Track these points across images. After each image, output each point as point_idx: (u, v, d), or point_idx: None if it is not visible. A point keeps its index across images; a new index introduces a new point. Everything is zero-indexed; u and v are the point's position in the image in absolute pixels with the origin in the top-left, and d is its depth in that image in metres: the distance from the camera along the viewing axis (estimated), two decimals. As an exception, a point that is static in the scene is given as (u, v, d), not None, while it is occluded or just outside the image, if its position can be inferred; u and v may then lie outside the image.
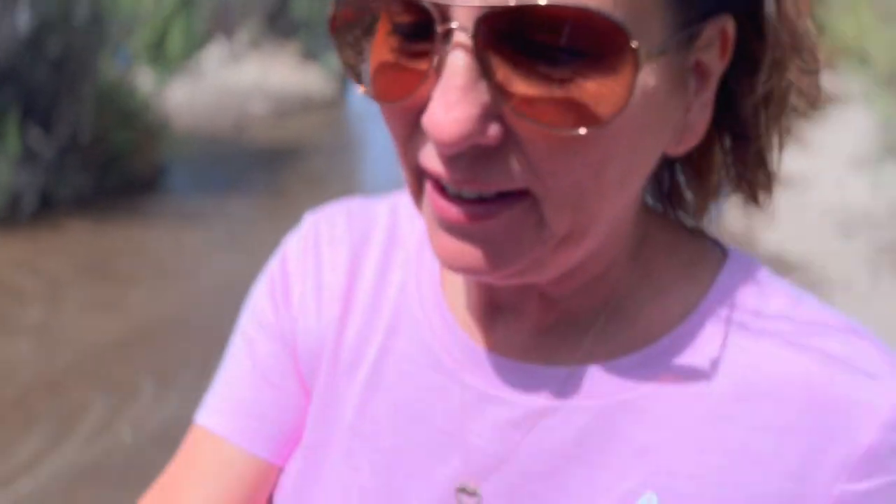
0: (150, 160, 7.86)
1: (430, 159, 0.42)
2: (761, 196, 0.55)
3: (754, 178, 0.53)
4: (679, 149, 0.47)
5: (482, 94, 0.39)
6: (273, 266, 0.62)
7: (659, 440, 0.47)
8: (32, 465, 3.24)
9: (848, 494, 0.45)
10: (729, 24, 0.45)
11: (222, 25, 14.91)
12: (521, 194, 0.42)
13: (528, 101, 0.38)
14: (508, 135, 0.40)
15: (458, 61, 0.38)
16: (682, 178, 0.54)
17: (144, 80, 7.55)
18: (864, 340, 0.49)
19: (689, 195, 0.55)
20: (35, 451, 3.32)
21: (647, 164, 0.46)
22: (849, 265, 5.71)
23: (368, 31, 0.44)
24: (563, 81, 0.38)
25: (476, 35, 0.37)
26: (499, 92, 0.38)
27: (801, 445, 0.45)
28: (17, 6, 6.02)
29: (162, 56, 7.00)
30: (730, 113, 0.49)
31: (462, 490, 0.49)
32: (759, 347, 0.48)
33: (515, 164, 0.40)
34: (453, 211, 0.42)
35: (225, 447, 0.58)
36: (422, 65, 0.40)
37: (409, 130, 0.43)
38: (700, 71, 0.45)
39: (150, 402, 3.69)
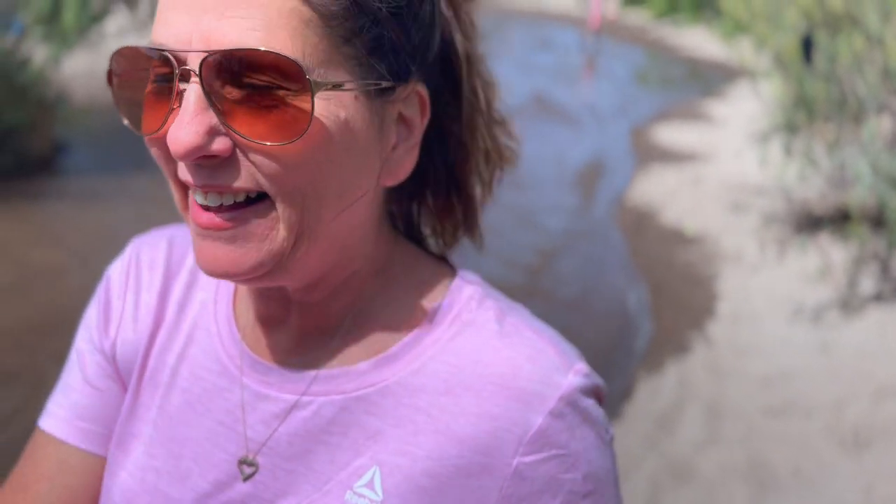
0: (46, 137, 7.48)
1: (183, 172, 0.55)
2: (457, 236, 0.69)
3: (455, 221, 0.69)
4: (389, 180, 0.61)
5: (210, 118, 0.52)
6: (100, 288, 0.75)
7: (386, 426, 0.60)
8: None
9: (522, 465, 0.58)
10: (421, 89, 0.60)
11: (123, -6, 14.25)
12: (260, 199, 0.54)
13: (243, 122, 0.52)
14: (239, 149, 0.53)
15: (189, 94, 0.52)
16: (415, 214, 0.71)
17: (39, 51, 7.17)
18: (548, 345, 0.61)
19: (429, 229, 0.70)
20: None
21: (359, 183, 0.58)
22: (740, 238, 6.02)
23: (138, 83, 0.57)
24: (267, 106, 0.51)
25: (201, 73, 0.51)
26: (221, 115, 0.52)
27: (492, 427, 0.58)
28: None
29: (57, 28, 6.65)
30: (443, 162, 0.67)
31: (243, 462, 0.62)
32: (466, 352, 0.61)
33: (244, 170, 0.53)
34: (205, 217, 0.54)
35: (62, 448, 0.70)
36: (168, 101, 0.54)
37: (167, 153, 0.56)
38: (404, 122, 0.60)
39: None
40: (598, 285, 5.44)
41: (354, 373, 0.61)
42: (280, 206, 0.54)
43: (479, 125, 0.67)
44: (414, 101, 0.61)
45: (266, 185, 0.54)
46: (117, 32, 12.32)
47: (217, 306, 0.69)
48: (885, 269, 4.71)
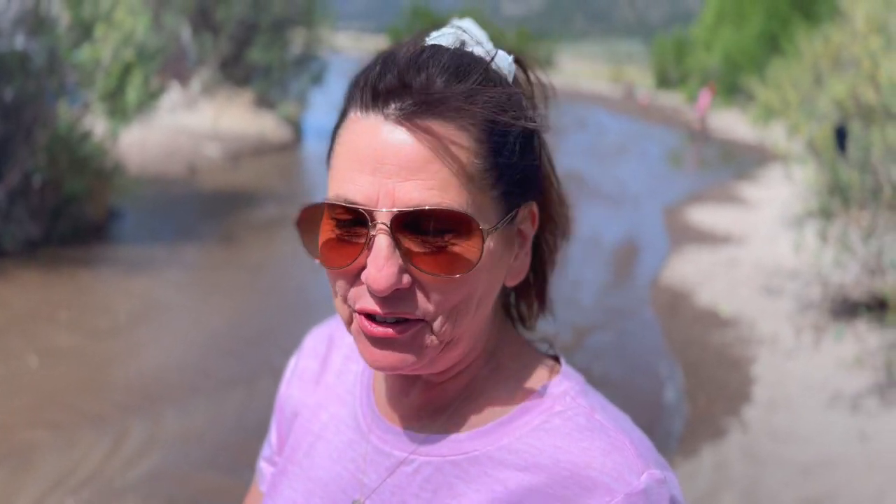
0: (102, 205, 7.80)
1: (366, 302, 0.67)
2: (532, 318, 0.81)
3: (531, 303, 0.81)
4: (512, 282, 0.73)
5: (397, 259, 0.64)
6: (288, 366, 0.94)
7: (469, 490, 0.70)
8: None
9: None
10: (534, 207, 0.74)
11: (177, 72, 14.96)
12: (418, 320, 0.67)
13: (423, 261, 0.65)
14: (415, 281, 0.66)
15: (381, 241, 0.64)
16: (513, 300, 0.83)
17: (99, 124, 7.56)
18: (629, 445, 0.68)
19: (523, 311, 0.82)
20: (-21, 504, 3.33)
21: (493, 292, 0.71)
22: (775, 322, 6.02)
23: (317, 224, 0.70)
24: (442, 248, 0.64)
25: (390, 227, 0.64)
26: (406, 257, 0.65)
27: None
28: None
29: (119, 106, 7.04)
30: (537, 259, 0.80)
31: (356, 502, 0.75)
32: (550, 438, 0.70)
33: (419, 298, 0.66)
34: (380, 330, 0.67)
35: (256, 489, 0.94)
36: (359, 243, 0.66)
37: (349, 285, 0.69)
38: (521, 235, 0.73)
39: (100, 448, 3.73)
40: (632, 364, 5.46)
41: (454, 441, 0.72)
42: (436, 323, 0.67)
43: (553, 205, 0.78)
44: (528, 217, 0.73)
45: (432, 310, 0.67)
46: (170, 107, 12.90)
47: (363, 377, 0.83)
48: (923, 358, 4.68)
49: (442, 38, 0.73)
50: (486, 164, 0.66)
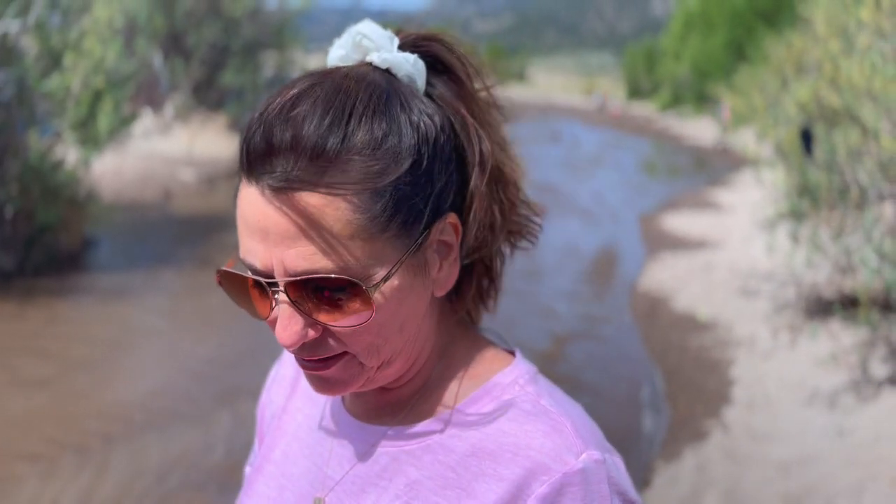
0: (76, 234, 7.74)
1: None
2: (490, 303, 0.84)
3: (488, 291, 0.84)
4: (441, 292, 0.75)
5: (300, 318, 0.69)
6: (269, 374, 0.99)
7: (422, 477, 0.74)
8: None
9: None
10: (451, 217, 0.72)
11: (149, 98, 14.92)
12: (344, 353, 0.71)
13: (324, 316, 0.68)
14: (324, 329, 0.70)
15: (282, 306, 0.69)
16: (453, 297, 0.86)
17: (71, 152, 7.50)
18: (570, 427, 0.72)
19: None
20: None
21: (417, 312, 0.73)
22: (752, 324, 6.10)
23: (241, 284, 0.75)
24: (340, 301, 0.68)
25: (287, 292, 0.68)
26: (308, 314, 0.69)
27: (500, 488, 0.70)
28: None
29: (90, 134, 7.02)
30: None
31: (317, 501, 0.79)
32: (497, 424, 0.74)
33: (332, 343, 0.71)
34: (311, 369, 0.73)
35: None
36: (268, 298, 0.71)
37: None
38: (444, 245, 0.73)
39: (70, 477, 3.70)
40: (612, 371, 5.51)
41: (410, 433, 0.76)
42: (360, 356, 0.72)
43: (496, 215, 0.77)
44: (448, 228, 0.72)
45: (350, 347, 0.71)
46: (143, 134, 12.86)
47: None
48: (895, 352, 4.78)
49: (341, 48, 0.74)
50: (371, 215, 0.66)
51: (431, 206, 0.70)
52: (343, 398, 0.84)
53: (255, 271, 0.69)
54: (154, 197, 11.03)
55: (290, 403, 0.90)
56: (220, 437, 4.23)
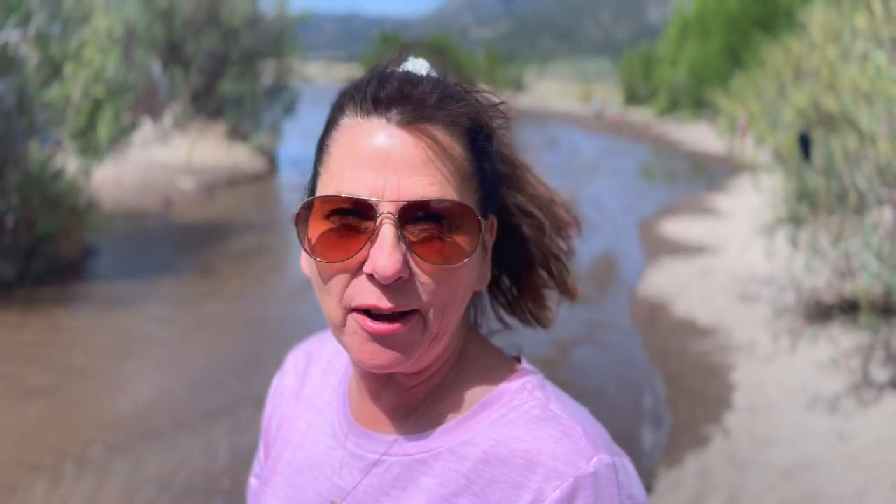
0: (76, 242, 7.72)
1: (366, 298, 0.70)
2: (540, 316, 0.89)
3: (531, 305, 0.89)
4: (480, 286, 0.79)
5: (402, 248, 0.69)
6: (272, 385, 0.99)
7: (434, 484, 0.75)
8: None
9: None
10: (493, 219, 0.80)
11: (149, 107, 14.94)
12: (412, 312, 0.71)
13: (424, 250, 0.70)
14: (412, 274, 0.70)
15: (387, 231, 0.69)
16: (494, 304, 0.90)
17: (71, 161, 7.50)
18: (580, 432, 0.73)
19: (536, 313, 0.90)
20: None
21: (470, 291, 0.77)
22: (752, 328, 6.11)
23: (307, 224, 0.73)
24: (441, 238, 0.70)
25: (396, 217, 0.69)
26: (409, 246, 0.69)
27: (514, 494, 0.71)
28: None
29: (91, 143, 7.03)
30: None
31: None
32: (507, 430, 0.74)
33: (416, 290, 0.71)
34: (382, 326, 0.70)
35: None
36: (360, 236, 0.70)
37: (346, 282, 0.72)
38: (485, 244, 0.79)
39: (72, 485, 3.69)
40: (613, 376, 5.52)
41: (421, 440, 0.77)
42: (428, 318, 0.72)
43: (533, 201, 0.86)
44: (489, 227, 0.79)
45: (426, 302, 0.71)
46: (143, 143, 12.86)
47: (339, 389, 0.89)
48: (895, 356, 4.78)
49: (411, 66, 0.81)
50: (473, 168, 0.74)
51: (494, 196, 0.79)
52: (352, 409, 0.84)
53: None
54: (154, 205, 11.04)
55: (293, 413, 0.91)
56: (221, 446, 4.23)
